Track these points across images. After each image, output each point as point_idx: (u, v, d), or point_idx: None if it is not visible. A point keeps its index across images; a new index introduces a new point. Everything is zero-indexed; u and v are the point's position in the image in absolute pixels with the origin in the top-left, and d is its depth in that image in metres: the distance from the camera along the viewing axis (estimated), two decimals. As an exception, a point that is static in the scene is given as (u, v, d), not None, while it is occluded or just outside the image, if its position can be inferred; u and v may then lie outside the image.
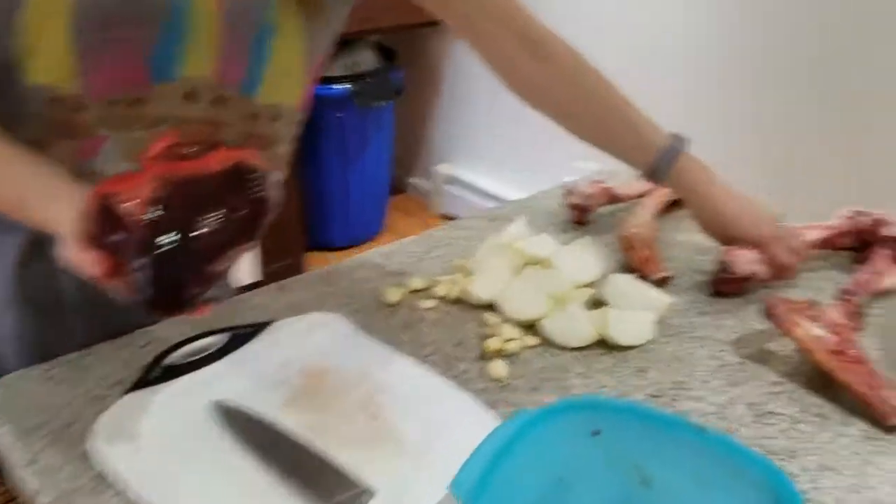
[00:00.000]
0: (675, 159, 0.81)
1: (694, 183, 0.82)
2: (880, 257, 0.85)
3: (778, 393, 0.69)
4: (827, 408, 0.67)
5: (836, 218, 0.90)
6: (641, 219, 0.90)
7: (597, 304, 0.80)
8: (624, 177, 1.02)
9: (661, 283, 0.83)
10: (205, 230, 0.51)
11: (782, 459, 0.61)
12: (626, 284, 0.80)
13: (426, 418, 0.64)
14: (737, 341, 0.76)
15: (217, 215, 0.52)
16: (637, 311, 0.76)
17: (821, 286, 0.85)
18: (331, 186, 2.41)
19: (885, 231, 0.86)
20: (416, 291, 0.84)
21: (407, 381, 0.68)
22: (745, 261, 0.80)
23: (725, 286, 0.82)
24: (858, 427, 0.65)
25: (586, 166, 2.31)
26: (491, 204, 2.50)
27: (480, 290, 0.80)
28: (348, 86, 2.23)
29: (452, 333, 0.77)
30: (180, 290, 0.53)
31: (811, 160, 1.71)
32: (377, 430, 0.62)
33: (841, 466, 0.61)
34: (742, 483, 0.48)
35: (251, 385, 0.67)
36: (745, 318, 0.80)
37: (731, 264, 0.81)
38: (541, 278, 0.80)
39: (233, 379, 0.68)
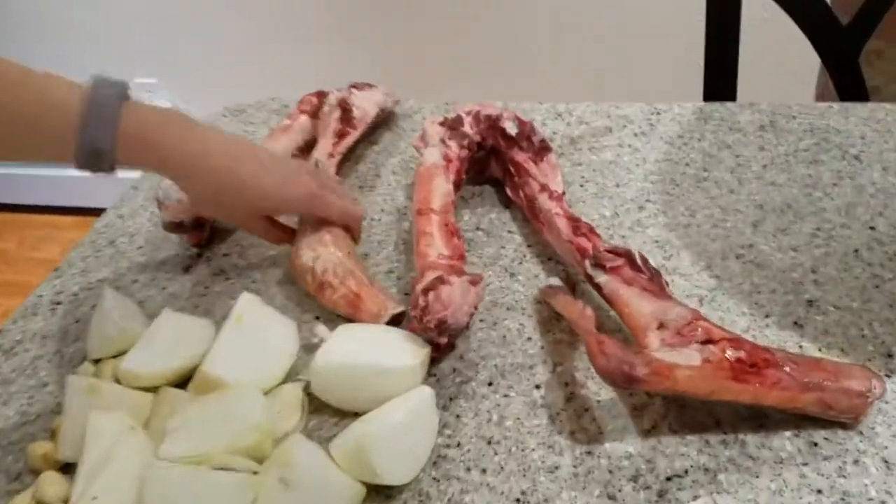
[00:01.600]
0: (115, 120, 0.45)
1: (170, 151, 0.47)
2: (523, 163, 0.58)
3: (651, 431, 0.43)
4: (727, 427, 0.43)
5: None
6: (322, 232, 0.54)
7: (317, 406, 0.46)
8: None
9: (397, 321, 0.50)
10: None
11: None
12: (354, 361, 0.45)
13: None
14: (537, 367, 0.48)
15: None
16: (401, 411, 0.42)
17: (503, 251, 0.58)
18: None
19: (507, 129, 0.59)
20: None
21: None
22: (462, 302, 0.46)
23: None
24: (788, 440, 0.42)
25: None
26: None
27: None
28: None
29: None
30: None
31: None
32: None
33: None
34: None
35: None
36: (516, 327, 0.52)
37: (452, 322, 0.46)
38: (204, 426, 0.41)
39: None
